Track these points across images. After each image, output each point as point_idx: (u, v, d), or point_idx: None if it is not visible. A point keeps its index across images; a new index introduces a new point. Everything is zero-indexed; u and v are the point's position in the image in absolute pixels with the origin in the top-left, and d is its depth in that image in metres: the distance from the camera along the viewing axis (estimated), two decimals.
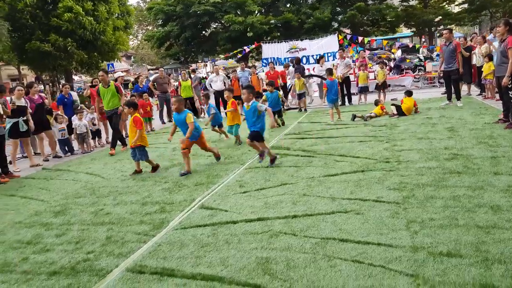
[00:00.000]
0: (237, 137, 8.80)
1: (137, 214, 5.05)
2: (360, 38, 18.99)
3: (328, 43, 16.94)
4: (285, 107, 13.95)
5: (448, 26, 29.28)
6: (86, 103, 12.50)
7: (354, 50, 21.73)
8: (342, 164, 6.24)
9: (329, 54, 16.11)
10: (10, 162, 8.85)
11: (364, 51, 17.45)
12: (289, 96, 15.14)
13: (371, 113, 10.28)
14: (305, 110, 13.38)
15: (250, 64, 25.02)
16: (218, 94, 13.92)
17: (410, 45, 29.45)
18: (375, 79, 14.95)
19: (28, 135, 9.16)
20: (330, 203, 4.63)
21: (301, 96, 13.47)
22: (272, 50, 17.61)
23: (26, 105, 9.01)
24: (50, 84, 27.93)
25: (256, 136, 6.71)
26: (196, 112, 14.23)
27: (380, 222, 3.96)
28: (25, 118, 8.87)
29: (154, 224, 4.64)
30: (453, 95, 10.65)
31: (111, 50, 25.69)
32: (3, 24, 18.72)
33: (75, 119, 10.36)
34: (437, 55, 16.39)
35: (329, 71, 10.70)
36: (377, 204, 4.45)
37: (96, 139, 11.15)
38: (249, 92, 6.78)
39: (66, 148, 10.26)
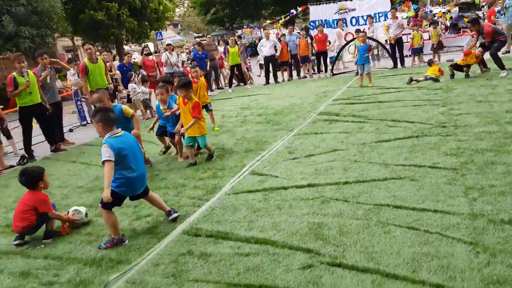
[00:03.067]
0: (208, 148, 6.05)
1: (191, 180, 5.22)
2: None
3: (379, 2, 15.99)
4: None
5: None
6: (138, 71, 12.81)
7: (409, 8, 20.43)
8: (395, 129, 6.05)
9: (380, 14, 15.27)
10: (71, 130, 9.49)
11: (420, 9, 16.38)
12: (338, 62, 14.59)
13: (430, 75, 9.59)
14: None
15: (299, 27, 24.28)
16: (268, 59, 13.81)
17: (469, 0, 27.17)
18: (429, 39, 14.11)
19: None
20: (383, 170, 4.54)
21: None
22: (320, 12, 16.96)
23: None
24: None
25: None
26: (244, 79, 14.21)
27: (436, 189, 3.84)
28: None
29: (207, 189, 4.79)
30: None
31: (159, 18, 26.03)
32: None
33: (136, 87, 10.53)
34: (498, 11, 15.01)
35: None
36: (432, 170, 4.31)
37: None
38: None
39: None
